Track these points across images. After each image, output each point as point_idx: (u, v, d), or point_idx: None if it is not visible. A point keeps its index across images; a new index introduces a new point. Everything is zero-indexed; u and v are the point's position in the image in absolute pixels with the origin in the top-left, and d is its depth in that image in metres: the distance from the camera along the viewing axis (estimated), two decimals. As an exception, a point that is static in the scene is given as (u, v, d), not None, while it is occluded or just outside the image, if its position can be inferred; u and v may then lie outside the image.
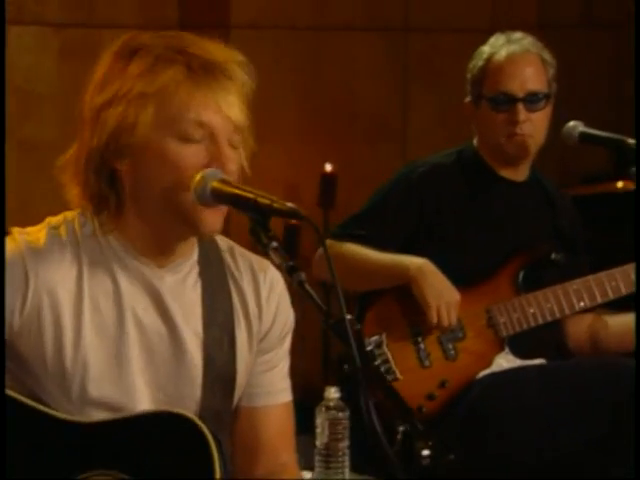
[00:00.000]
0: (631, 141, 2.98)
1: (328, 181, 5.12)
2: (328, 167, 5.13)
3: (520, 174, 3.19)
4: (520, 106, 3.09)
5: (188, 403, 1.97)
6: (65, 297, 1.93)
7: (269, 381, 2.07)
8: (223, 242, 2.07)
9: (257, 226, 1.84)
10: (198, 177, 1.91)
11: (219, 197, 1.90)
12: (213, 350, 1.98)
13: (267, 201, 1.85)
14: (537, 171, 3.24)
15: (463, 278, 3.07)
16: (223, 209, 1.94)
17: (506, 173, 3.18)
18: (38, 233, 1.97)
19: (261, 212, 1.84)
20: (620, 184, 4.83)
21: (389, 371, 3.04)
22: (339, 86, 5.34)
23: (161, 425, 1.88)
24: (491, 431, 2.99)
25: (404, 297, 3.07)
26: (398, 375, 3.04)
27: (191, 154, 1.91)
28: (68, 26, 4.97)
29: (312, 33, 5.35)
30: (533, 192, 3.21)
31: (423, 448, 1.70)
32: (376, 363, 3.03)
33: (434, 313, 2.99)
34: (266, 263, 2.04)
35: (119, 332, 1.95)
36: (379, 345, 3.05)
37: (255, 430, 2.05)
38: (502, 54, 3.11)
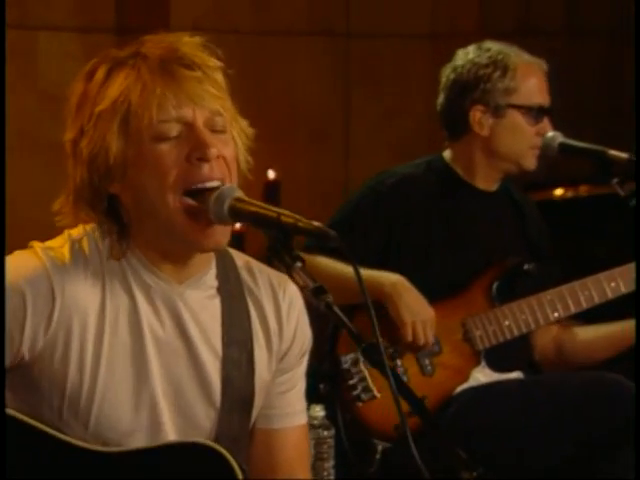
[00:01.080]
0: (612, 152, 2.98)
1: (272, 188, 5.05)
2: (271, 174, 5.07)
3: (493, 184, 3.16)
4: (546, 119, 3.09)
5: (205, 425, 1.91)
6: (91, 317, 1.85)
7: (287, 402, 2.01)
8: (238, 257, 2.00)
9: (279, 245, 1.76)
10: (214, 196, 1.82)
11: (238, 216, 1.82)
12: (231, 370, 1.92)
13: (291, 220, 1.77)
14: (507, 180, 3.22)
15: (437, 291, 3.04)
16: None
17: (479, 183, 3.15)
18: (62, 248, 1.88)
19: (284, 231, 1.76)
20: (559, 192, 4.85)
21: (366, 389, 2.98)
22: (281, 91, 5.29)
23: (188, 456, 1.80)
24: (471, 447, 2.94)
25: (379, 313, 3.01)
26: (375, 393, 2.98)
27: (169, 150, 1.85)
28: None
29: (254, 37, 5.29)
30: (503, 202, 3.20)
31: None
32: (353, 382, 2.97)
33: (409, 331, 2.95)
34: (284, 278, 1.98)
35: (138, 354, 1.88)
36: (355, 363, 2.99)
37: (272, 453, 1.99)
38: (527, 65, 3.09)
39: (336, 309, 1.72)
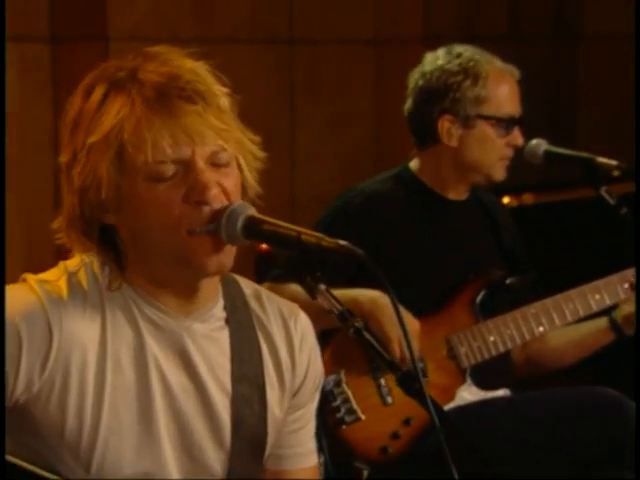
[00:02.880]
0: (600, 159, 2.88)
1: None
2: None
3: (463, 193, 3.04)
4: (517, 129, 2.97)
5: (214, 467, 1.78)
6: (91, 355, 1.70)
7: (299, 441, 1.88)
8: (247, 285, 1.86)
9: (300, 267, 1.61)
10: (226, 214, 1.66)
11: (253, 235, 1.66)
12: (242, 408, 1.78)
13: (314, 239, 1.62)
14: (476, 189, 3.10)
15: (416, 307, 2.93)
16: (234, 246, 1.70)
17: (449, 194, 3.04)
18: (58, 282, 1.72)
19: (306, 251, 1.61)
20: (506, 199, 4.77)
21: (350, 411, 2.85)
22: (233, 100, 5.12)
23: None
24: (459, 469, 2.81)
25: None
26: (360, 415, 2.85)
27: (165, 192, 1.70)
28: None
29: (194, 45, 5.11)
30: (475, 210, 3.11)
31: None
32: (336, 403, 2.83)
33: (397, 347, 2.82)
34: (295, 308, 1.86)
35: (143, 393, 1.73)
36: (338, 384, 2.85)
37: None
38: (499, 73, 2.96)
39: (367, 334, 1.59)
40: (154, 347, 1.72)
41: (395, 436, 2.88)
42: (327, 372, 2.87)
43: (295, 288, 2.88)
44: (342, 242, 1.63)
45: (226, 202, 1.70)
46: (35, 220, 5.04)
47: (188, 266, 1.70)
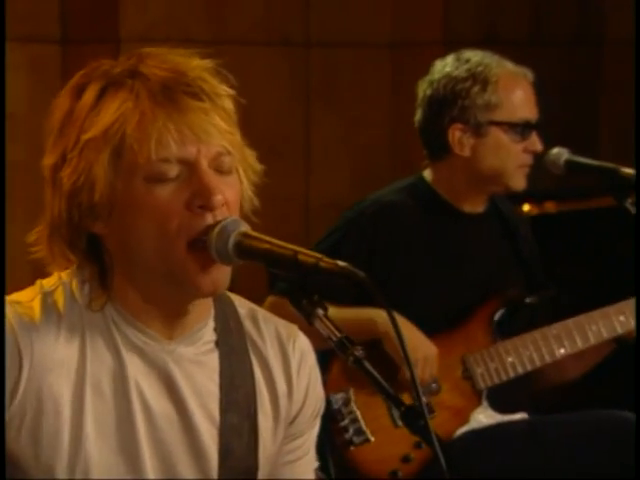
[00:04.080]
0: (624, 170, 2.74)
1: None
2: None
3: (480, 205, 2.90)
4: (535, 135, 2.80)
5: None
6: (66, 382, 1.57)
7: (297, 473, 1.76)
8: (242, 305, 1.73)
9: (297, 289, 1.48)
10: (216, 231, 1.53)
11: (245, 254, 1.53)
12: (231, 439, 1.65)
13: (311, 259, 1.48)
14: (495, 197, 2.96)
15: (430, 326, 2.81)
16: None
17: (466, 206, 2.89)
18: (31, 302, 1.59)
19: (303, 272, 1.47)
20: (526, 207, 4.63)
21: (359, 432, 2.72)
22: (238, 104, 5.01)
23: None
24: (474, 496, 2.69)
25: (371, 348, 2.74)
26: (369, 436, 2.72)
27: (166, 196, 1.58)
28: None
29: (208, 47, 4.99)
30: (493, 223, 2.97)
31: None
32: (344, 423, 2.69)
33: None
34: (294, 329, 1.74)
35: (125, 422, 1.60)
36: (346, 403, 2.72)
37: None
38: (510, 76, 2.81)
39: (367, 365, 1.46)
40: (136, 372, 1.60)
41: (406, 459, 2.75)
42: (335, 390, 2.74)
43: None
44: (341, 263, 1.50)
45: (227, 214, 1.57)
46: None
47: (180, 284, 1.58)
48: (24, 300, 1.58)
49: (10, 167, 4.43)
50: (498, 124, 2.81)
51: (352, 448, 2.72)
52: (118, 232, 1.57)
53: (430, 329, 2.78)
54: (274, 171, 5.93)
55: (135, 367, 1.59)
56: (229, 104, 1.63)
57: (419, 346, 2.71)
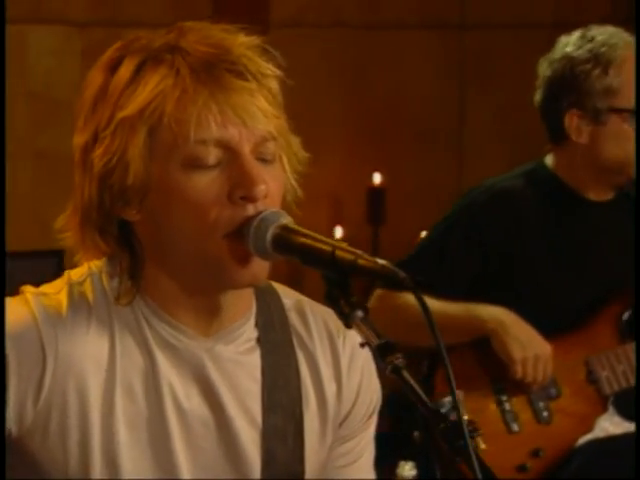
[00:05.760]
0: None
1: (376, 194, 4.73)
2: (376, 179, 4.74)
3: (607, 193, 2.67)
4: None
5: None
6: (95, 380, 1.47)
7: (350, 478, 1.60)
8: (288, 296, 1.59)
9: (335, 289, 1.34)
10: (254, 223, 1.42)
11: (283, 248, 1.42)
12: (274, 443, 1.53)
13: (350, 256, 1.35)
14: (626, 183, 2.71)
15: (551, 325, 2.60)
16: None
17: (592, 194, 2.67)
18: (58, 294, 1.49)
19: (341, 270, 1.33)
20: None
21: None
22: (389, 89, 4.93)
23: None
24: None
25: (483, 348, 2.59)
26: (480, 443, 2.52)
27: (206, 184, 1.44)
28: (92, 25, 4.54)
29: (360, 32, 4.94)
30: (622, 212, 2.71)
31: None
32: (453, 427, 2.51)
33: (519, 368, 2.53)
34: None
35: (158, 427, 1.49)
36: (455, 407, 2.54)
37: None
38: (630, 61, 2.57)
39: (406, 375, 1.31)
40: (169, 372, 1.49)
41: (522, 469, 2.57)
42: (442, 392, 2.58)
43: (408, 298, 2.60)
44: (381, 261, 1.35)
45: (269, 206, 1.45)
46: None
47: (216, 277, 1.46)
48: (51, 292, 1.49)
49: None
50: (618, 111, 2.60)
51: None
52: (151, 219, 1.45)
53: (549, 328, 2.57)
54: (425, 157, 5.80)
55: (168, 366, 1.48)
56: (275, 85, 1.48)
57: (530, 344, 2.53)
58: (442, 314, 2.58)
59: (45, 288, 1.50)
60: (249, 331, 1.53)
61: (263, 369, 1.52)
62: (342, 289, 1.36)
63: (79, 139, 1.46)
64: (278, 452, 1.53)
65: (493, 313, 2.54)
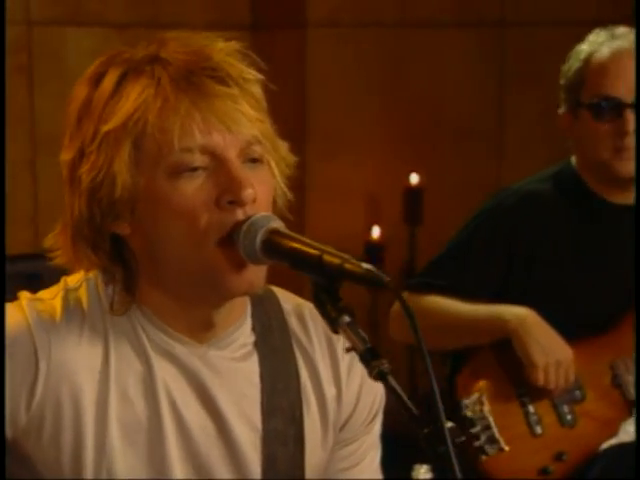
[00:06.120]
0: None
1: (414, 194, 4.68)
2: (414, 178, 4.70)
3: (631, 195, 2.60)
4: (629, 113, 2.50)
5: None
6: (88, 387, 1.47)
7: None
8: (287, 301, 1.59)
9: (322, 293, 1.32)
10: (244, 228, 1.42)
11: (272, 253, 1.40)
12: (274, 447, 1.52)
13: (337, 260, 1.33)
14: None
15: (576, 328, 2.55)
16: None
17: (615, 197, 2.61)
18: (53, 300, 1.50)
19: (328, 275, 1.32)
20: None
21: (492, 440, 2.51)
22: (427, 88, 4.89)
23: None
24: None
25: (507, 349, 2.55)
26: (503, 445, 2.51)
27: (193, 191, 1.43)
28: (131, 26, 4.56)
29: (397, 30, 4.91)
30: None
31: None
32: (475, 430, 2.49)
33: (541, 374, 2.49)
34: None
35: (154, 432, 1.49)
36: (478, 408, 2.51)
37: None
38: (604, 52, 2.54)
39: (391, 380, 1.29)
40: (166, 378, 1.49)
41: (544, 472, 2.53)
42: (465, 394, 2.55)
43: (432, 300, 2.58)
44: (366, 266, 1.33)
45: (259, 210, 1.44)
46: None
47: (211, 285, 1.45)
48: (46, 297, 1.49)
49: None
50: (584, 105, 2.55)
51: (483, 458, 2.52)
52: (142, 232, 1.45)
53: (575, 332, 2.52)
54: (464, 157, 5.73)
55: (165, 372, 1.48)
56: (258, 90, 1.47)
57: (553, 348, 2.48)
58: (465, 314, 2.55)
59: (41, 294, 1.51)
60: (244, 336, 1.52)
61: (261, 374, 1.52)
62: (330, 294, 1.35)
63: (66, 156, 1.47)
64: (279, 456, 1.52)
65: (516, 313, 2.50)
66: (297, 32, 4.86)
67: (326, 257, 1.35)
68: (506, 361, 2.55)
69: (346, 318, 1.33)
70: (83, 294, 1.49)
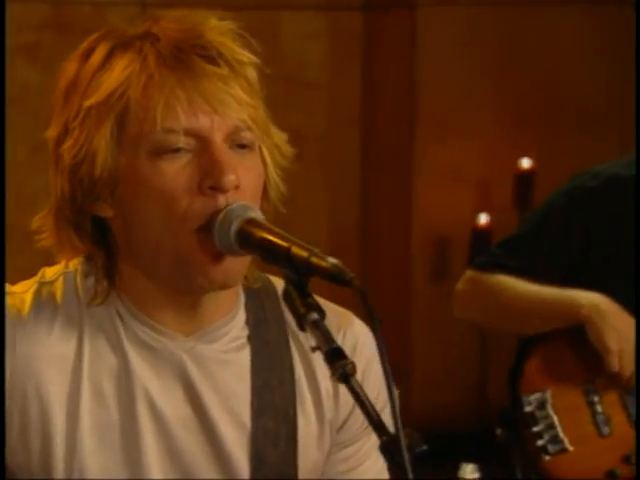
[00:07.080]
0: None
1: (525, 179, 4.54)
2: (526, 163, 4.56)
3: None
4: None
5: None
6: (58, 384, 1.42)
7: None
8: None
9: (292, 288, 1.26)
10: (221, 216, 1.36)
11: (245, 243, 1.34)
12: (264, 446, 1.45)
13: (304, 253, 1.26)
14: None
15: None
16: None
17: None
18: (24, 294, 1.46)
19: (296, 268, 1.25)
20: None
21: (555, 440, 2.40)
22: (542, 69, 4.73)
23: None
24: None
25: (578, 343, 2.44)
26: (567, 445, 2.40)
27: (174, 172, 1.37)
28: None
29: (513, 9, 4.77)
30: None
31: None
32: (538, 429, 2.39)
33: (615, 360, 2.37)
34: (347, 317, 1.49)
35: (129, 430, 1.43)
36: (542, 405, 2.42)
37: None
38: None
39: (354, 383, 1.21)
40: (144, 375, 1.43)
41: (612, 475, 2.40)
42: (530, 390, 2.45)
43: (502, 280, 2.48)
44: (331, 260, 1.26)
45: (244, 199, 1.38)
46: (340, 194, 4.90)
47: (185, 274, 1.39)
48: (19, 291, 1.45)
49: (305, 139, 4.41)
50: None
51: (546, 458, 2.40)
52: (122, 214, 1.40)
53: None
54: (581, 142, 5.51)
55: (143, 367, 1.42)
56: (252, 73, 1.40)
57: (628, 335, 2.36)
58: (536, 297, 2.45)
59: (16, 287, 1.46)
60: (236, 329, 1.46)
61: (253, 369, 1.45)
62: (300, 289, 1.28)
63: (52, 132, 1.43)
64: (268, 455, 1.45)
65: (590, 298, 2.38)
66: (408, 12, 4.78)
67: (294, 249, 1.28)
68: (576, 354, 2.43)
69: (314, 315, 1.26)
70: (59, 287, 1.45)
